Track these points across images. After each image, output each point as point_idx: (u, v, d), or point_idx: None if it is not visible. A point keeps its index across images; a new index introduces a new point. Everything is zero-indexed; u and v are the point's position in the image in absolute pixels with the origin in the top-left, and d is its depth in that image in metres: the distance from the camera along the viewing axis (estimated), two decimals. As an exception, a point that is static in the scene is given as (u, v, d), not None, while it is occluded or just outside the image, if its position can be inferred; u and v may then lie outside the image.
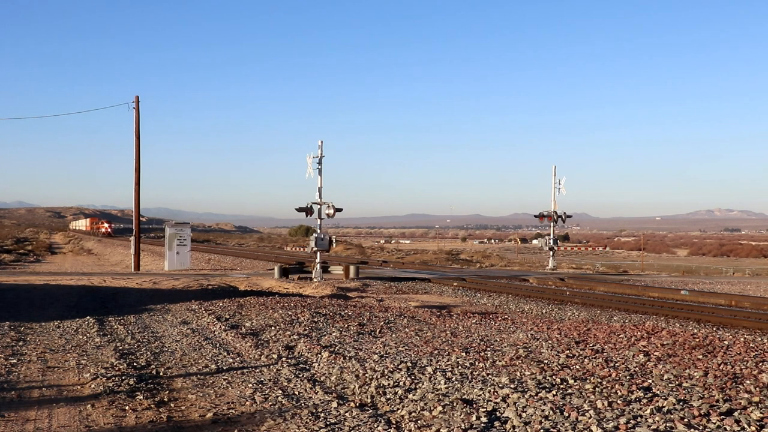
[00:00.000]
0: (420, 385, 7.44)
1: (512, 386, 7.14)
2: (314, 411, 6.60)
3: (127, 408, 6.78)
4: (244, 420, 6.40)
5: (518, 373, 7.86)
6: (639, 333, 11.43)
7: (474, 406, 6.49)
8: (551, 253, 38.92)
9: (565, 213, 38.77)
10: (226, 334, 11.29)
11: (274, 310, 14.17)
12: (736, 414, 6.00)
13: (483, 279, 29.34)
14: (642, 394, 6.72)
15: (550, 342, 10.30)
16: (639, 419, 5.90)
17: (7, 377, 8.14)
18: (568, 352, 9.34)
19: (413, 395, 7.03)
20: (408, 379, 7.71)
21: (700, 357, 8.98)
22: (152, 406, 6.88)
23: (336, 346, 9.96)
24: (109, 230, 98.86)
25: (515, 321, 13.79)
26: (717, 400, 6.45)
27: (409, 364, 8.42)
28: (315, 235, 26.98)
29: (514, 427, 5.84)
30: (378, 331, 11.60)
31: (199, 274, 27.44)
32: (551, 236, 39.16)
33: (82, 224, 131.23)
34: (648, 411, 6.09)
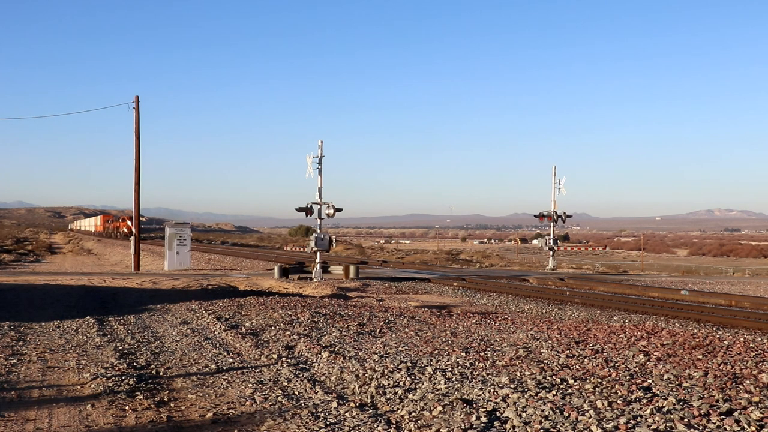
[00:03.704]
0: (420, 385, 7.44)
1: (512, 386, 7.14)
2: (314, 411, 6.60)
3: (127, 408, 6.78)
4: (244, 420, 6.40)
5: (518, 373, 7.86)
6: (639, 333, 11.43)
7: (474, 406, 6.49)
8: (551, 253, 38.92)
9: (565, 213, 38.77)
10: (226, 334, 11.29)
11: (274, 310, 14.18)
12: (736, 414, 6.00)
13: (483, 279, 29.34)
14: (642, 394, 6.72)
15: (550, 342, 10.30)
16: (639, 419, 5.90)
17: (7, 377, 8.14)
18: (568, 352, 9.34)
19: (413, 395, 7.03)
20: (408, 379, 7.71)
21: (700, 357, 8.98)
22: (152, 406, 6.88)
23: (336, 346, 9.96)
24: (132, 230, 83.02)
25: (515, 321, 13.79)
26: (717, 400, 6.45)
27: (409, 364, 8.42)
28: (315, 235, 26.97)
29: (514, 427, 5.84)
30: (378, 331, 11.60)
31: (199, 274, 27.43)
32: (551, 236, 39.16)
33: (89, 223, 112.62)
34: (648, 411, 6.09)
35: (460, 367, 8.27)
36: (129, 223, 76.72)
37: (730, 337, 11.76)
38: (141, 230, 69.80)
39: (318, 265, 27.05)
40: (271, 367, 8.73)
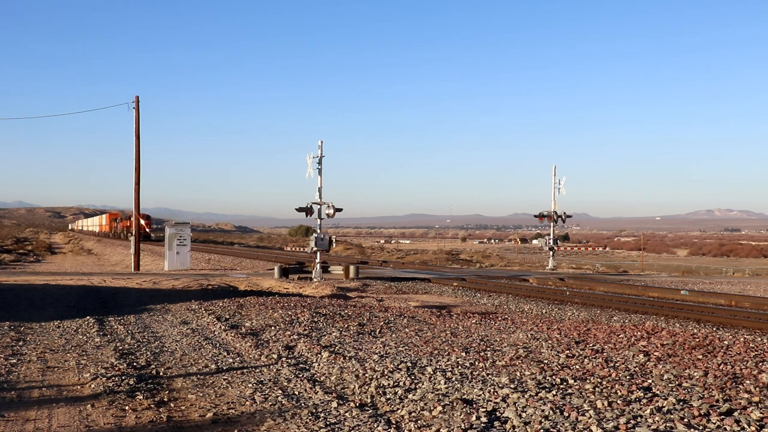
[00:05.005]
0: (420, 385, 7.44)
1: (512, 386, 7.14)
2: (314, 411, 6.60)
3: (127, 408, 6.78)
4: (244, 420, 6.40)
5: (518, 373, 7.86)
6: (639, 333, 11.43)
7: (474, 406, 6.49)
8: (551, 253, 38.91)
9: (565, 213, 38.77)
10: (226, 334, 11.29)
11: (274, 310, 14.17)
12: (736, 414, 6.00)
13: (483, 279, 29.34)
14: (642, 394, 6.72)
15: (550, 342, 10.30)
16: (639, 419, 5.90)
17: (7, 377, 8.14)
18: (568, 352, 9.34)
19: (413, 395, 7.03)
20: (408, 379, 7.71)
21: (700, 357, 8.98)
22: (152, 406, 6.88)
23: (336, 346, 9.96)
24: (146, 230, 66.89)
25: (515, 321, 13.79)
26: (717, 400, 6.45)
27: (409, 364, 8.42)
28: (315, 235, 26.97)
29: (514, 427, 5.84)
30: (378, 331, 11.60)
31: (199, 274, 27.43)
32: (551, 236, 39.15)
33: (93, 223, 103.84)
34: (648, 411, 6.09)
35: (460, 367, 8.27)
36: (141, 221, 68.90)
37: (730, 337, 11.76)
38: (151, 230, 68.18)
39: (318, 265, 27.05)
40: (271, 367, 8.72)
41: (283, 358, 9.20)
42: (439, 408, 6.47)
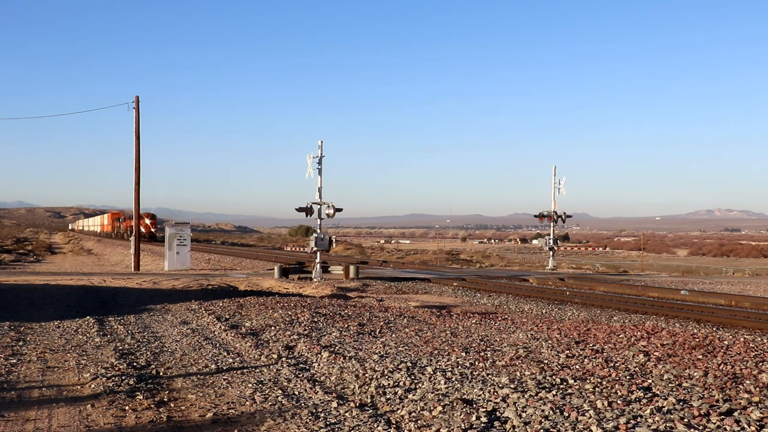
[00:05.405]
0: (420, 385, 7.44)
1: (512, 386, 7.14)
2: (314, 411, 6.60)
3: (127, 408, 6.78)
4: (244, 420, 6.40)
5: (518, 373, 7.86)
6: (639, 333, 11.43)
7: (474, 406, 6.49)
8: (551, 253, 38.91)
9: (565, 213, 38.77)
10: (226, 334, 11.29)
11: (274, 310, 14.18)
12: (736, 414, 6.00)
13: (483, 279, 29.34)
14: (642, 394, 6.72)
15: (550, 342, 10.30)
16: (639, 419, 5.90)
17: (7, 377, 8.14)
18: (568, 352, 9.34)
19: (413, 395, 7.03)
20: (408, 379, 7.71)
21: (700, 357, 8.98)
22: (152, 406, 6.88)
23: (336, 346, 9.96)
24: (151, 229, 66.48)
25: (515, 321, 13.79)
26: (717, 400, 6.45)
27: (409, 364, 8.42)
28: (315, 235, 26.97)
29: (514, 427, 5.84)
30: (378, 331, 11.60)
31: (199, 274, 27.43)
32: (551, 236, 39.15)
33: (94, 222, 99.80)
34: (648, 411, 6.09)
35: (460, 367, 8.27)
36: (147, 221, 64.89)
37: (730, 337, 11.76)
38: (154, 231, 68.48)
39: (318, 265, 27.05)
40: (271, 367, 8.73)
41: (283, 358, 9.20)
42: (439, 408, 6.47)
